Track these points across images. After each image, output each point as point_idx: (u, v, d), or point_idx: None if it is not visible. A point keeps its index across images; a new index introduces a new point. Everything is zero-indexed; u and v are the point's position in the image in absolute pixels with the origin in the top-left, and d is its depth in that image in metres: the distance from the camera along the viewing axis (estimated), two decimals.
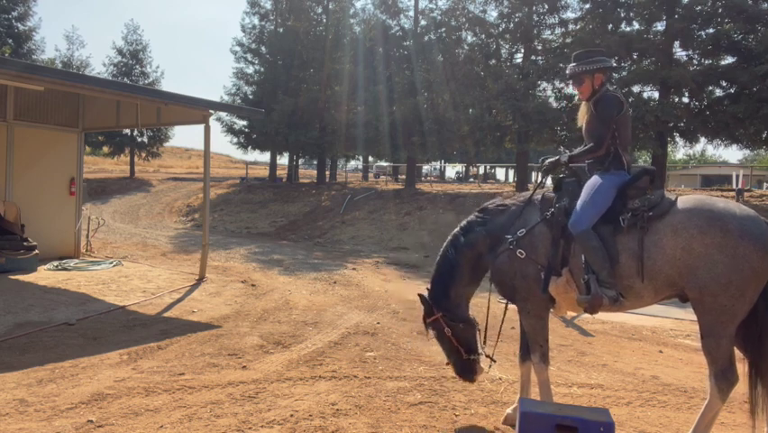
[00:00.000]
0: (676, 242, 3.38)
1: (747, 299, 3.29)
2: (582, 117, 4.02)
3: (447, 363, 4.24)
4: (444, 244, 4.19)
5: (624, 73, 17.18)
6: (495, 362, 4.29)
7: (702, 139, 17.68)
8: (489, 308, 4.22)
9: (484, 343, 4.18)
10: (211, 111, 10.32)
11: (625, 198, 3.64)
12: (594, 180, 3.72)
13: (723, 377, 3.32)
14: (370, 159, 38.50)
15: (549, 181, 4.05)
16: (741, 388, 3.42)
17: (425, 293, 4.20)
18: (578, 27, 19.09)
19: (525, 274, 3.78)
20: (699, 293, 3.33)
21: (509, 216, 3.95)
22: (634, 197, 3.62)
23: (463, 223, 4.16)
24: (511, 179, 49.25)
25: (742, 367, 3.45)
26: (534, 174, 26.31)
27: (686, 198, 3.56)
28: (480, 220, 4.06)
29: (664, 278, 3.43)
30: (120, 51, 32.07)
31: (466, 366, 4.10)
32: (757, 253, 3.24)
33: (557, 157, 3.98)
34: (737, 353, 3.48)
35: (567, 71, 4.02)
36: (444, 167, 56.07)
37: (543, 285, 3.70)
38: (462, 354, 4.07)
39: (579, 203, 3.65)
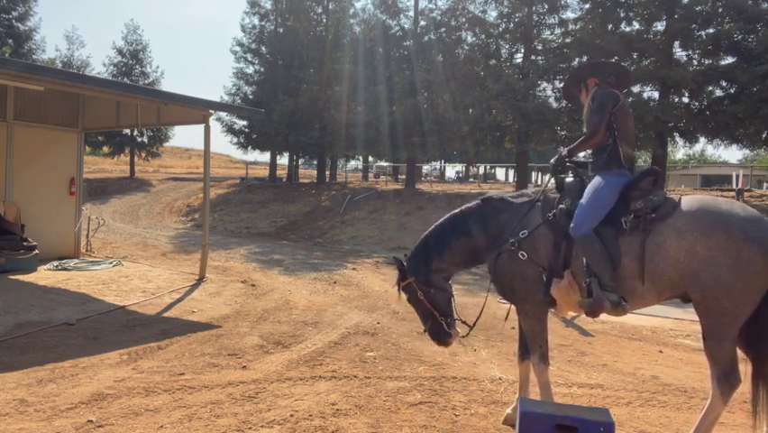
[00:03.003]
0: (680, 244, 3.35)
1: (750, 301, 3.26)
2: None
3: (424, 330, 4.23)
4: (441, 219, 4.24)
5: None
6: (470, 327, 4.17)
7: (702, 139, 17.72)
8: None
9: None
10: (211, 111, 10.31)
11: (627, 200, 3.60)
12: (596, 182, 3.70)
13: (725, 380, 3.30)
14: (370, 159, 38.52)
15: (553, 182, 4.02)
16: (741, 388, 3.40)
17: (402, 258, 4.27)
18: (578, 27, 19.10)
19: (524, 276, 3.76)
20: (702, 296, 3.30)
21: (511, 215, 3.93)
22: (636, 198, 3.57)
23: (465, 208, 4.16)
24: (511, 179, 49.31)
25: (744, 368, 3.43)
26: (534, 174, 26.27)
27: (689, 200, 3.51)
28: (483, 213, 4.05)
29: (667, 280, 3.41)
30: (120, 51, 32.12)
31: (441, 330, 4.08)
32: (761, 256, 3.21)
33: (557, 154, 3.99)
34: (739, 353, 3.45)
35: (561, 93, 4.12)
36: (444, 167, 55.98)
37: (544, 288, 3.68)
38: (437, 317, 4.08)
39: (579, 206, 3.62)
